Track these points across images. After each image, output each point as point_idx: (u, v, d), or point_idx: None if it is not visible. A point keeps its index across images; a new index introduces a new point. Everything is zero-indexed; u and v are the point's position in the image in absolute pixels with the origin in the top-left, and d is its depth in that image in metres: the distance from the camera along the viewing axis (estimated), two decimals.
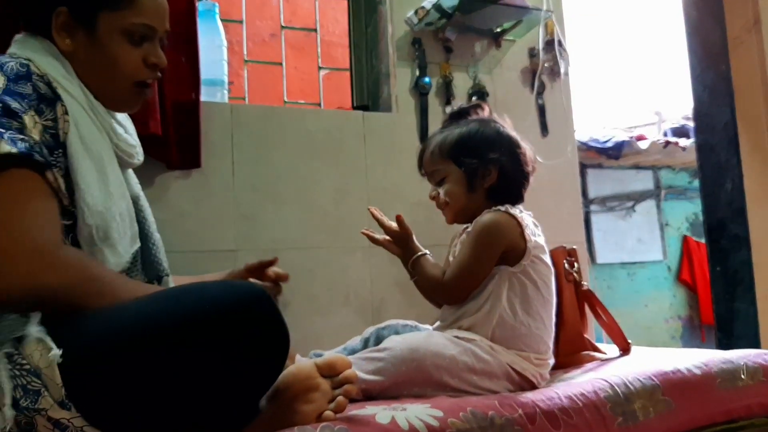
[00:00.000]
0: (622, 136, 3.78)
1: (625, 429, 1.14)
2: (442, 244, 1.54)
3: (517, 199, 1.38)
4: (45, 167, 0.94)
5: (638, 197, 4.10)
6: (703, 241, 4.16)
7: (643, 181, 4.16)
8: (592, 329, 1.75)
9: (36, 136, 0.94)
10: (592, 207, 3.85)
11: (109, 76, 1.11)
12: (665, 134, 4.21)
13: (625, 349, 1.54)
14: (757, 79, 2.37)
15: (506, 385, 1.22)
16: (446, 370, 1.19)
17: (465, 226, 1.42)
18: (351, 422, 0.98)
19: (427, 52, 2.05)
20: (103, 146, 1.09)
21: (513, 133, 1.41)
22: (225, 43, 1.90)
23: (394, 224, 1.41)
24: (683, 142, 3.93)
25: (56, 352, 0.84)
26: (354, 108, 2.14)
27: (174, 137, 1.64)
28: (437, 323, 1.39)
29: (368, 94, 2.17)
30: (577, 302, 1.53)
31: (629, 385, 1.19)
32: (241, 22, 2.19)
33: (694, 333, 4.17)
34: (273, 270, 1.45)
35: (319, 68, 2.27)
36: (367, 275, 1.89)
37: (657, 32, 4.50)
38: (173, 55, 1.17)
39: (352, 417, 1.00)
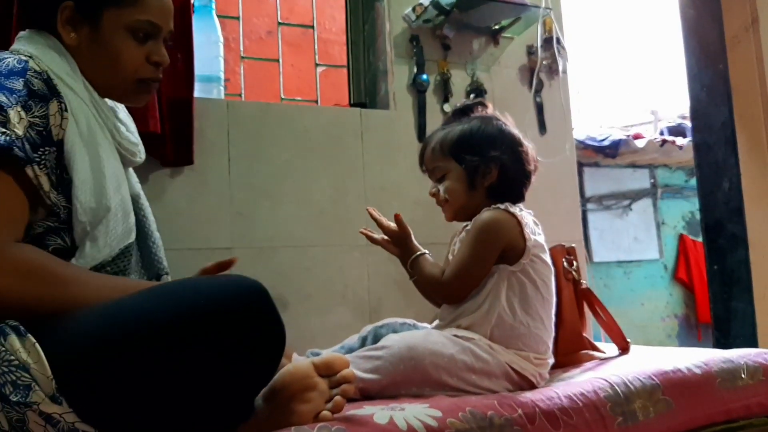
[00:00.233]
0: (619, 135, 3.78)
1: (625, 429, 1.13)
2: (441, 242, 1.53)
3: (517, 197, 1.37)
4: (25, 162, 0.93)
5: (635, 196, 4.09)
6: (699, 240, 4.17)
7: (640, 179, 4.15)
8: (590, 328, 1.75)
9: (19, 131, 0.92)
10: (589, 205, 3.85)
11: (112, 71, 1.10)
12: (662, 133, 4.21)
13: (624, 348, 1.54)
14: (754, 79, 2.37)
15: (505, 384, 1.21)
16: (445, 369, 1.18)
17: (464, 224, 1.41)
18: (349, 422, 0.97)
19: (425, 49, 2.03)
20: (103, 143, 1.08)
21: (515, 132, 1.40)
22: (221, 39, 1.89)
23: (392, 224, 1.40)
24: (680, 140, 3.93)
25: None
26: (351, 105, 2.12)
27: (169, 134, 1.63)
28: (435, 322, 1.38)
29: (365, 92, 2.16)
30: (576, 301, 1.52)
31: (629, 385, 1.18)
32: (237, 18, 2.17)
33: (690, 332, 4.17)
34: None
35: (316, 65, 2.26)
36: (365, 273, 1.88)
37: (653, 31, 4.50)
38: (169, 51, 1.16)
39: (349, 417, 0.99)
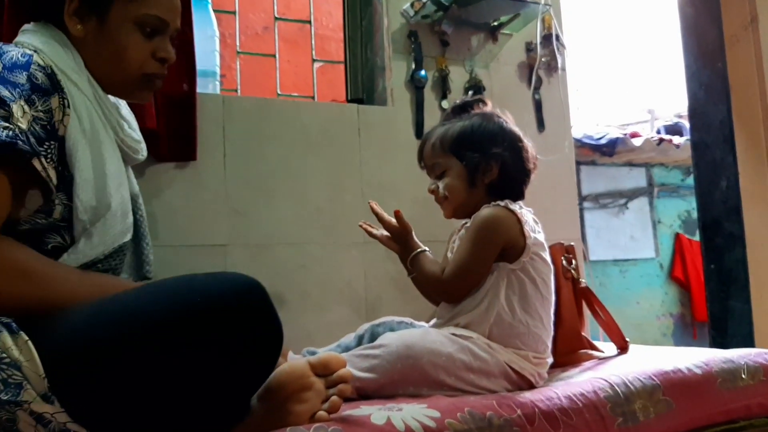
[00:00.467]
0: (616, 133, 3.77)
1: (625, 430, 1.12)
2: (439, 240, 1.52)
3: (517, 195, 1.36)
4: (31, 155, 0.91)
5: (631, 195, 4.10)
6: (695, 238, 4.18)
7: (636, 178, 4.16)
8: (588, 327, 1.73)
9: (23, 125, 0.91)
10: (585, 204, 3.84)
11: (117, 65, 1.09)
12: (658, 132, 4.21)
13: (623, 348, 1.53)
14: (753, 77, 2.36)
15: (504, 384, 1.20)
16: (443, 368, 1.16)
17: (464, 222, 1.40)
18: (345, 423, 0.95)
19: (423, 45, 2.01)
20: (105, 140, 1.06)
21: (516, 129, 1.38)
22: (217, 33, 1.87)
23: (393, 220, 1.38)
24: (677, 139, 3.93)
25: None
26: (349, 101, 2.10)
27: (164, 129, 1.61)
28: (433, 321, 1.36)
29: (363, 88, 2.14)
30: (575, 300, 1.51)
31: (629, 385, 1.17)
32: (233, 13, 2.15)
33: (685, 330, 4.18)
34: None
35: (313, 60, 2.24)
36: (362, 271, 1.86)
37: (650, 29, 4.50)
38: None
39: (346, 417, 0.97)
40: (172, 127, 1.61)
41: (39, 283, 0.91)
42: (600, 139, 3.72)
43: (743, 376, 1.28)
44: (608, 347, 1.56)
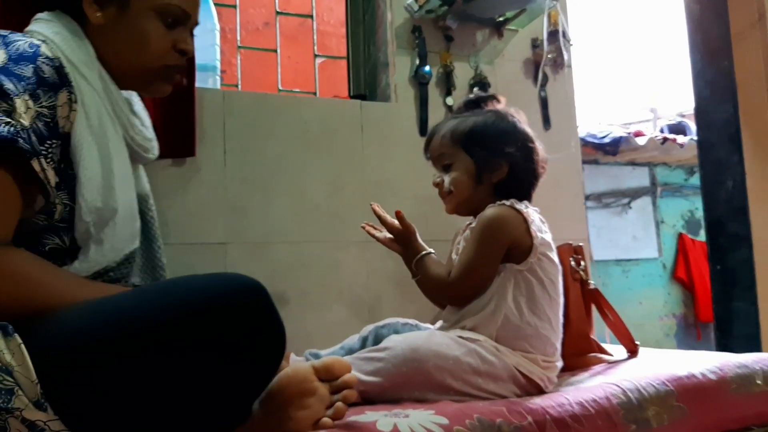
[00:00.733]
0: (619, 132, 3.74)
1: None
2: (440, 239, 1.48)
3: (523, 197, 1.32)
4: (31, 155, 0.86)
5: (634, 194, 4.08)
6: (698, 238, 4.17)
7: (639, 177, 4.14)
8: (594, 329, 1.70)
9: (26, 122, 0.86)
10: (588, 203, 3.81)
11: (136, 55, 1.05)
12: (662, 131, 4.19)
13: (632, 351, 1.49)
14: (760, 75, 2.33)
15: (512, 388, 1.16)
16: (449, 371, 1.13)
17: (468, 222, 1.36)
18: (350, 429, 0.92)
19: (427, 40, 1.98)
20: (113, 138, 1.02)
21: (528, 130, 1.34)
22: (218, 27, 1.83)
23: (396, 221, 1.34)
24: (681, 138, 3.90)
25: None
26: (351, 98, 2.06)
27: (162, 125, 1.56)
28: (439, 323, 1.33)
29: (365, 84, 2.10)
30: (584, 302, 1.47)
31: (642, 391, 1.13)
32: (234, 7, 2.11)
33: (688, 331, 4.16)
34: None
35: (315, 56, 2.20)
36: (363, 270, 1.83)
37: (652, 28, 4.47)
38: None
39: (351, 424, 0.94)
40: (170, 123, 1.57)
41: (50, 295, 0.86)
42: (603, 138, 3.69)
43: (758, 381, 1.24)
44: (617, 350, 1.52)
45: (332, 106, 1.89)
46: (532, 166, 1.33)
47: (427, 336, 1.19)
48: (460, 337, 1.18)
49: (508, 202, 1.27)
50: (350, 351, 1.32)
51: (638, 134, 3.79)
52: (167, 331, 0.78)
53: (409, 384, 1.12)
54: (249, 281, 0.84)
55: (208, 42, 1.78)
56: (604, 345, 1.52)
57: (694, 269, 4.12)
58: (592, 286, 1.48)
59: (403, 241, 1.35)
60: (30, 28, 1.01)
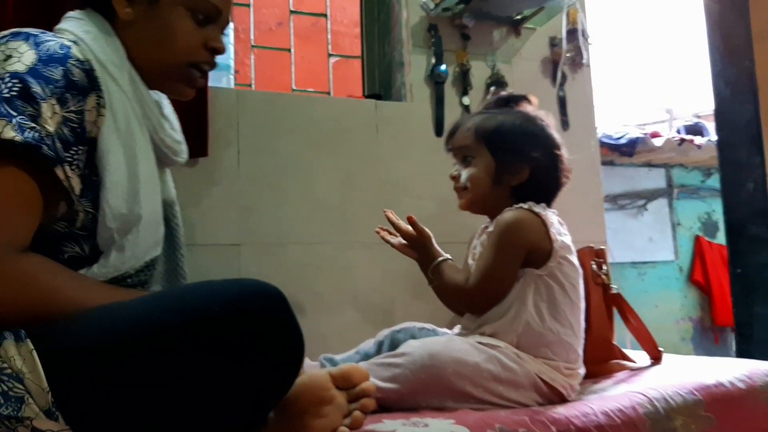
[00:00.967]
0: (636, 133, 3.70)
1: None
2: (455, 241, 1.44)
3: (542, 202, 1.27)
4: (55, 162, 0.84)
5: (650, 196, 4.04)
6: (715, 241, 4.11)
7: (655, 179, 4.09)
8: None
9: (51, 128, 0.84)
10: (603, 205, 3.78)
11: (165, 52, 1.02)
12: (678, 132, 4.14)
13: (656, 358, 1.45)
14: None
15: (534, 396, 1.12)
16: (469, 378, 1.09)
17: (484, 225, 1.33)
18: None
19: (444, 39, 1.94)
20: (141, 141, 0.99)
21: (557, 136, 1.30)
22: (231, 25, 1.81)
23: (410, 228, 1.31)
24: (698, 139, 3.84)
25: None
26: (366, 97, 2.03)
27: None
28: (456, 328, 1.29)
29: (380, 83, 2.07)
30: (606, 307, 1.43)
31: (669, 400, 1.09)
32: (248, 5, 2.09)
33: (705, 335, 4.11)
34: None
35: (329, 55, 2.17)
36: (377, 273, 1.80)
37: (666, 28, 4.42)
38: None
39: None
40: (183, 123, 1.53)
41: (60, 302, 0.83)
42: (619, 138, 3.65)
43: None
44: (639, 356, 1.48)
45: (346, 106, 1.86)
46: (556, 174, 1.28)
47: (446, 342, 1.16)
48: (480, 343, 1.15)
49: (525, 205, 1.23)
50: (366, 356, 1.29)
51: (655, 135, 3.75)
52: (184, 338, 0.76)
53: (427, 391, 1.09)
54: (268, 288, 0.80)
55: None
56: (625, 351, 1.48)
57: (711, 272, 4.07)
58: (614, 291, 1.44)
59: (419, 247, 1.32)
60: (60, 26, 0.99)
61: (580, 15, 2.02)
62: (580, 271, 1.26)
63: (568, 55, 2.05)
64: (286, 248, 1.70)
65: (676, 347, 3.81)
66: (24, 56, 0.86)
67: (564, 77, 2.07)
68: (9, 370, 0.75)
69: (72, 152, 0.88)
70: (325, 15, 2.19)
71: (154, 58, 1.01)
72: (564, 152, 1.30)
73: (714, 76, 2.50)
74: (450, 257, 1.30)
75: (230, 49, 1.80)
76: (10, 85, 0.83)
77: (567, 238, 1.24)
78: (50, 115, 0.84)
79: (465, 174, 1.28)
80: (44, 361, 0.76)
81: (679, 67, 4.49)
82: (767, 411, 1.18)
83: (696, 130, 4.15)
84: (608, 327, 1.42)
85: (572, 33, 2.04)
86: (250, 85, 2.05)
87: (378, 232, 1.38)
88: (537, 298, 1.18)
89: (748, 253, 2.37)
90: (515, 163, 1.25)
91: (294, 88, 2.11)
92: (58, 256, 0.91)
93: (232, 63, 1.80)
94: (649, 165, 4.03)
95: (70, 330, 0.79)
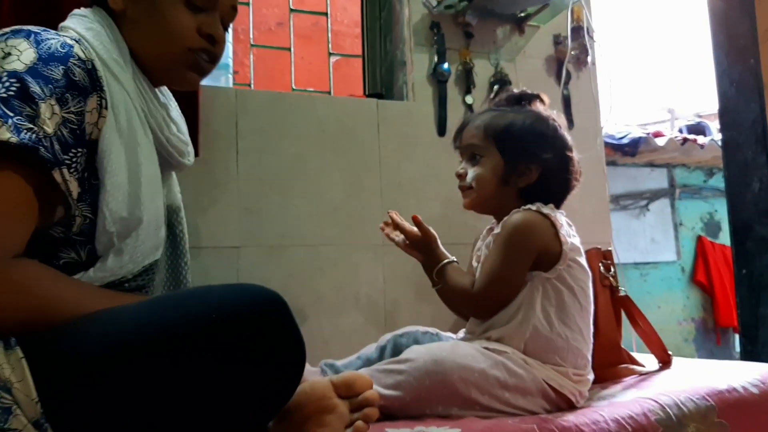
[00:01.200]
0: (638, 133, 3.67)
1: None
2: (458, 243, 1.41)
3: (550, 203, 1.24)
4: (53, 165, 0.81)
5: (652, 196, 4.02)
6: (718, 241, 4.09)
7: (657, 179, 4.08)
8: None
9: (49, 129, 0.81)
10: (609, 205, 3.76)
11: (160, 41, 0.98)
12: (680, 131, 4.12)
13: (665, 362, 1.42)
14: None
15: (542, 403, 1.09)
16: (475, 385, 1.06)
17: (489, 226, 1.29)
18: None
19: (446, 37, 1.91)
20: (143, 142, 0.96)
21: (568, 138, 1.27)
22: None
23: (416, 229, 1.27)
24: (701, 139, 3.82)
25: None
26: (367, 96, 2.00)
27: None
28: (461, 333, 1.26)
29: (381, 82, 2.04)
30: (613, 309, 1.40)
31: (681, 406, 1.06)
32: (247, 4, 2.06)
33: (707, 336, 4.09)
34: None
35: (330, 54, 2.14)
36: (380, 275, 1.77)
37: (668, 28, 4.40)
38: None
39: None
40: None
41: (55, 308, 0.80)
42: (622, 138, 3.62)
43: None
44: (647, 360, 1.45)
45: (348, 105, 1.83)
46: (566, 177, 1.25)
47: (451, 347, 1.12)
48: (486, 348, 1.12)
49: (534, 207, 1.20)
50: (368, 361, 1.26)
51: (657, 135, 3.72)
52: (180, 346, 0.73)
53: (432, 398, 1.06)
54: (267, 293, 0.77)
55: None
56: (633, 354, 1.45)
57: (714, 273, 4.05)
58: (622, 293, 1.41)
59: (423, 248, 1.28)
60: (64, 24, 0.96)
61: (585, 12, 1.99)
62: (590, 273, 1.23)
63: (572, 53, 2.02)
64: (286, 250, 1.67)
65: (679, 348, 3.79)
66: (23, 54, 0.83)
67: (569, 75, 2.04)
68: None
69: (71, 155, 0.84)
70: (325, 14, 2.16)
71: (153, 48, 0.98)
72: (576, 154, 1.26)
73: (719, 76, 2.47)
74: (455, 260, 1.27)
75: (229, 48, 1.77)
76: (7, 84, 0.80)
77: (576, 240, 1.21)
78: (49, 116, 0.81)
79: (471, 173, 1.25)
80: (34, 369, 0.73)
81: (680, 67, 4.47)
82: None
83: (698, 129, 4.13)
84: (616, 330, 1.39)
85: (577, 30, 2.01)
86: (249, 85, 2.02)
87: (382, 229, 1.35)
88: (545, 302, 1.15)
89: (754, 254, 2.35)
90: (525, 164, 1.21)
91: (294, 87, 2.08)
92: (54, 261, 0.88)
93: (230, 62, 1.77)
94: (652, 165, 4.00)
95: (62, 337, 0.76)
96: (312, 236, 1.70)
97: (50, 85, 0.82)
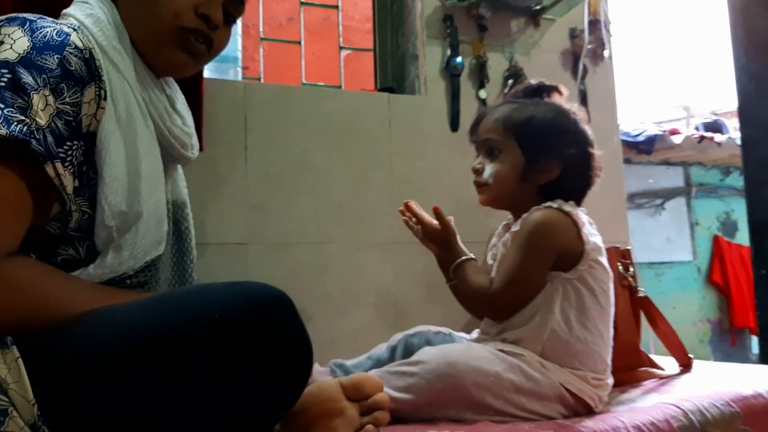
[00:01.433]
0: (654, 130, 3.61)
1: None
2: (472, 241, 1.37)
3: (570, 200, 1.18)
4: (45, 158, 0.77)
5: (667, 194, 3.97)
6: (735, 241, 4.03)
7: (673, 177, 4.02)
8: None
9: (42, 121, 0.77)
10: (626, 203, 3.72)
11: (151, 18, 0.93)
12: (697, 129, 4.06)
13: (686, 365, 1.37)
14: None
15: (559, 408, 1.05)
16: (489, 389, 1.02)
17: (505, 222, 1.25)
18: None
19: (460, 30, 1.88)
20: (143, 133, 0.93)
21: (590, 132, 1.21)
22: (239, 20, 1.74)
23: (435, 221, 1.22)
24: (718, 137, 3.76)
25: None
26: (378, 91, 1.97)
27: None
28: (474, 333, 1.22)
29: (393, 76, 2.00)
30: (632, 311, 1.35)
31: (705, 413, 1.01)
32: None
33: (723, 337, 4.05)
34: None
35: (340, 48, 2.11)
36: (388, 273, 1.73)
37: (684, 25, 4.34)
38: None
39: None
40: None
41: (53, 307, 0.77)
42: (637, 136, 3.57)
43: None
44: (667, 362, 1.40)
45: (358, 100, 1.79)
46: (588, 173, 1.20)
47: (465, 349, 1.08)
48: (501, 350, 1.07)
49: (555, 204, 1.14)
50: (378, 362, 1.22)
51: (674, 132, 3.67)
52: (182, 346, 0.70)
53: (444, 402, 1.02)
54: (273, 291, 0.74)
55: None
56: (652, 357, 1.40)
57: (730, 273, 4.01)
58: (641, 293, 1.36)
59: (442, 242, 1.22)
60: (66, 11, 0.93)
61: (603, 5, 1.94)
62: (611, 274, 1.17)
63: (589, 47, 1.97)
64: (294, 248, 1.64)
65: (695, 350, 3.73)
66: (16, 43, 0.80)
67: (585, 70, 1.99)
68: None
69: (66, 148, 0.81)
70: (336, 7, 2.12)
71: (146, 26, 0.94)
72: (597, 150, 1.21)
73: (737, 72, 2.42)
74: (474, 257, 1.22)
75: (238, 40, 1.73)
76: None
77: (598, 239, 1.16)
78: (42, 107, 0.78)
79: (489, 169, 1.20)
80: (31, 370, 0.70)
81: (696, 64, 4.42)
82: None
83: (715, 127, 4.08)
84: (635, 332, 1.35)
85: (594, 24, 1.97)
86: (258, 80, 1.99)
87: (402, 213, 1.28)
88: (565, 304, 1.10)
89: None
90: (545, 159, 1.16)
91: (304, 82, 2.05)
92: (51, 259, 0.85)
93: (239, 55, 1.73)
94: (667, 163, 3.95)
95: (60, 337, 0.73)
96: (320, 234, 1.67)
97: (44, 75, 0.79)
